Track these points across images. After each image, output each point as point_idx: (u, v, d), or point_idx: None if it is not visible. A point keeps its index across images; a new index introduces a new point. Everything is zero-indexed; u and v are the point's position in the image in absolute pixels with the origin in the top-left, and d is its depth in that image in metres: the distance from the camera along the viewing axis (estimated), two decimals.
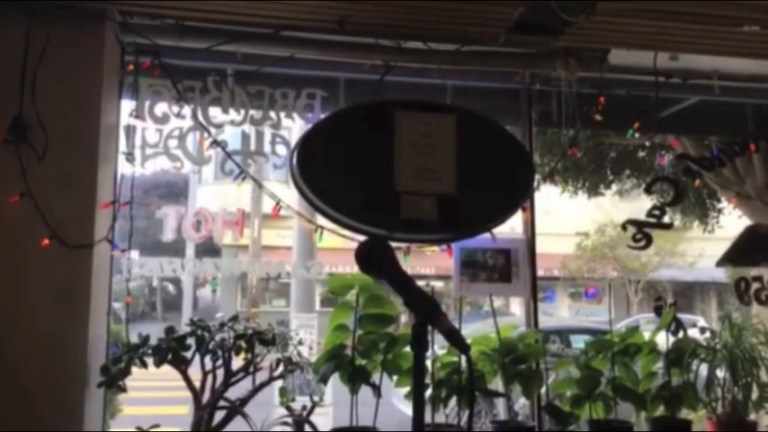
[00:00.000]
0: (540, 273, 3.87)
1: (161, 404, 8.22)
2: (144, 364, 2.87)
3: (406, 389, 3.05)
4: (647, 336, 3.47)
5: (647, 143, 7.59)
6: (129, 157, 3.24)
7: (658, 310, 3.52)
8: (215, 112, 3.38)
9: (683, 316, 3.57)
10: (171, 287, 26.10)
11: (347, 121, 3.44)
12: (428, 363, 3.08)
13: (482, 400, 5.00)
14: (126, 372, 2.86)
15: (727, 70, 3.92)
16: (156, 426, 2.82)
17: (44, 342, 2.87)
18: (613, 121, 3.90)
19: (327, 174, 3.29)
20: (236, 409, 2.88)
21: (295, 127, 4.25)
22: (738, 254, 4.77)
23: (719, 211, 8.69)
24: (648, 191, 4.04)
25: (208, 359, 2.93)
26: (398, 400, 5.84)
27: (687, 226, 9.74)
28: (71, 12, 3.02)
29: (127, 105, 3.29)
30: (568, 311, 22.10)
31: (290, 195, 3.59)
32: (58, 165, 2.96)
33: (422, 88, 3.71)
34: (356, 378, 3.05)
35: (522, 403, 3.71)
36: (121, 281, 3.43)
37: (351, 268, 2.04)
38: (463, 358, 2.99)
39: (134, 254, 3.45)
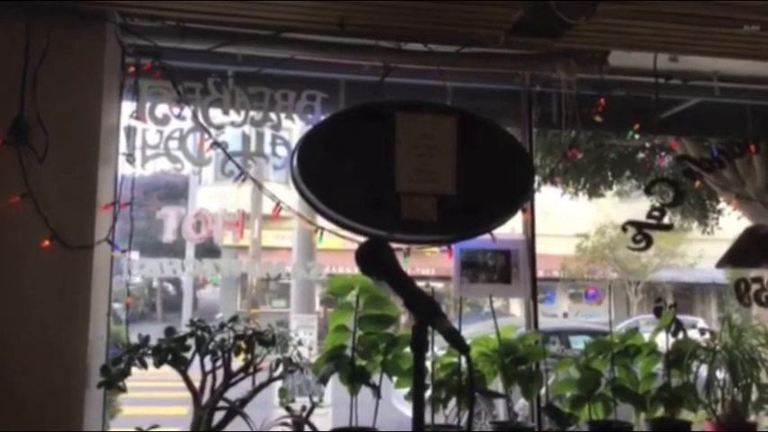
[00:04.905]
0: (539, 274, 3.87)
1: (161, 405, 8.21)
2: (144, 365, 2.88)
3: (406, 390, 3.06)
4: (646, 337, 3.47)
5: (647, 144, 7.60)
6: (130, 158, 3.24)
7: (658, 312, 3.53)
8: (215, 114, 3.39)
9: (683, 317, 3.57)
10: (171, 288, 26.10)
11: (347, 123, 3.44)
12: (428, 363, 3.09)
13: (482, 400, 5.00)
14: (126, 372, 2.86)
15: (727, 72, 3.93)
16: (156, 426, 2.83)
17: (44, 342, 2.88)
18: (613, 123, 3.91)
19: (327, 175, 3.29)
20: (236, 409, 2.88)
21: (295, 128, 4.26)
22: (738, 255, 4.77)
23: (719, 212, 8.70)
24: (648, 192, 4.05)
25: (207, 360, 2.94)
26: (398, 401, 5.84)
27: (687, 227, 9.75)
28: (71, 13, 3.02)
29: (127, 107, 3.30)
30: (568, 312, 22.09)
31: (290, 196, 3.59)
32: (58, 166, 2.96)
33: (422, 90, 3.71)
34: (356, 379, 3.05)
35: (521, 404, 3.71)
36: (121, 282, 3.43)
37: (351, 269, 2.04)
38: (463, 359, 3.00)
39: (134, 255, 3.45)
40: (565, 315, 20.05)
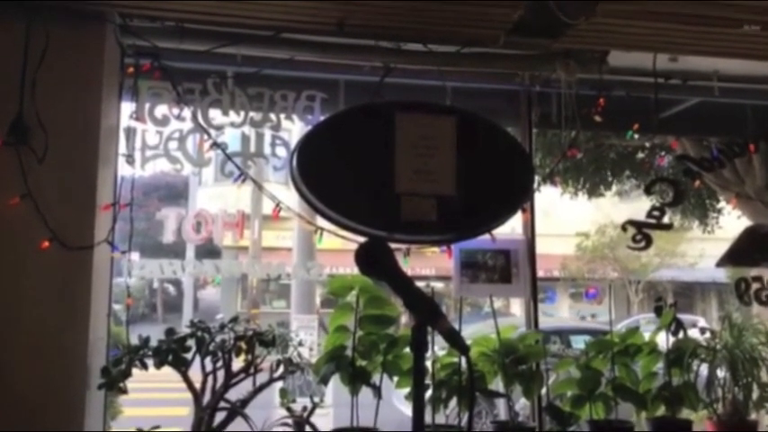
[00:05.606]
0: (540, 273, 3.87)
1: (162, 405, 8.21)
2: (144, 366, 2.88)
3: (407, 390, 3.06)
4: (647, 336, 3.47)
5: (647, 144, 7.59)
6: (129, 158, 3.24)
7: (658, 311, 3.53)
8: (215, 114, 3.39)
9: (684, 316, 3.58)
10: (171, 289, 26.10)
11: (347, 123, 3.44)
12: (428, 364, 3.09)
13: (482, 400, 5.00)
14: (126, 373, 2.86)
15: (727, 71, 3.93)
16: (157, 427, 2.83)
17: (44, 344, 2.88)
18: (613, 123, 3.91)
19: (327, 175, 3.29)
20: (237, 410, 2.88)
21: (295, 129, 4.26)
22: (738, 254, 4.77)
23: (719, 211, 8.70)
24: (648, 191, 4.05)
25: (208, 360, 2.94)
26: (399, 401, 5.84)
27: (687, 227, 9.74)
28: (71, 14, 3.02)
29: (127, 107, 3.30)
30: (569, 312, 22.10)
31: (289, 197, 3.60)
32: (58, 167, 2.96)
33: (421, 90, 3.71)
34: (356, 379, 3.06)
35: (522, 404, 3.71)
36: (122, 283, 3.43)
37: (351, 269, 2.04)
38: (463, 359, 3.00)
39: (134, 255, 3.46)
40: (593, 316, 19.85)
